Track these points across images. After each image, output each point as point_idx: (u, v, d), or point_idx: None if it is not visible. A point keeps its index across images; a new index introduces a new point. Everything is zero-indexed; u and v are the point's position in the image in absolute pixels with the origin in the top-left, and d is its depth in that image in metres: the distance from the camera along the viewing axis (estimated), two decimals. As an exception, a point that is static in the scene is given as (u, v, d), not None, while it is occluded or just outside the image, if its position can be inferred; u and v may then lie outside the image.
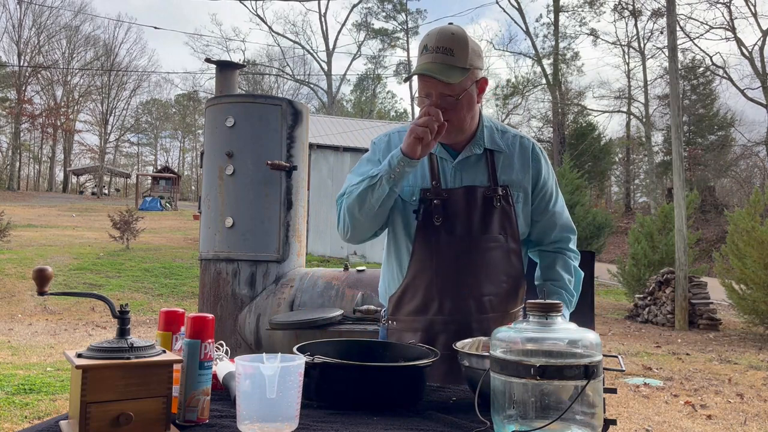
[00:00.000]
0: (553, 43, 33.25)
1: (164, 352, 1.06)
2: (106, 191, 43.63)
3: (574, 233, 1.81)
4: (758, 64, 27.60)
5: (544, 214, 1.75)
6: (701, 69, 31.38)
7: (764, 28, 27.75)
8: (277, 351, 1.14)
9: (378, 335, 1.84)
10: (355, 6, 39.39)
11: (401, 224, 1.68)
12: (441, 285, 1.63)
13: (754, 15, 27.83)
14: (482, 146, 1.67)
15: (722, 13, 44.86)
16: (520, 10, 32.18)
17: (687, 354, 8.05)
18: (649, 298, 11.89)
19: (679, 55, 20.99)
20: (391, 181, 1.52)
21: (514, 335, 1.02)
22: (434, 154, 1.68)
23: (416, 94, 1.65)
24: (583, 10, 33.46)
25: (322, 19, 39.25)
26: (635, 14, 30.55)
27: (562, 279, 1.75)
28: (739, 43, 28.14)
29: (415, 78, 1.57)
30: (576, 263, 1.80)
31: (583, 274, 1.80)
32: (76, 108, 43.12)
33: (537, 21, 49.04)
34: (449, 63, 1.52)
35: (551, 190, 1.76)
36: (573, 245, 1.81)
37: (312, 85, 41.07)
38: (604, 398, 1.04)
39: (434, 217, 1.62)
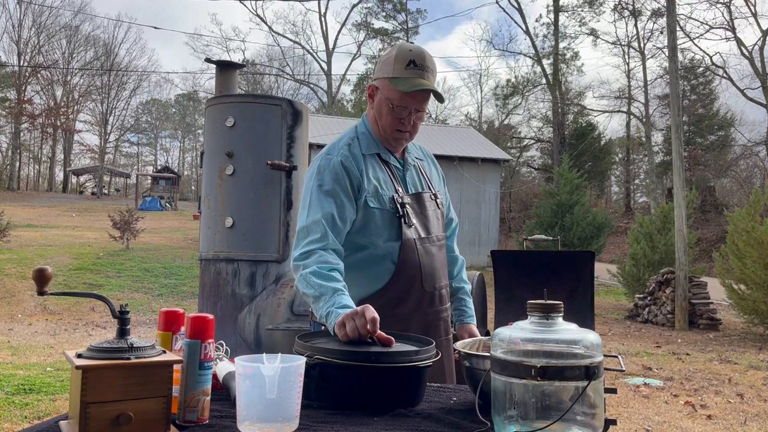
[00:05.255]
0: (553, 43, 33.24)
1: (164, 352, 1.05)
2: (106, 191, 43.61)
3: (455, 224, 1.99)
4: (758, 64, 27.57)
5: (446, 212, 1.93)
6: (701, 69, 31.37)
7: (764, 28, 27.69)
8: (277, 351, 1.13)
9: None
10: (355, 6, 39.32)
11: (379, 229, 1.67)
12: (417, 280, 1.68)
13: (754, 15, 27.81)
14: (412, 156, 1.82)
15: (722, 13, 44.77)
16: (520, 10, 32.20)
17: (687, 354, 8.05)
18: (649, 298, 11.88)
19: (679, 55, 20.99)
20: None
21: (514, 336, 1.02)
22: (390, 163, 1.74)
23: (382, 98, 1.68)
24: (582, 10, 33.42)
25: (322, 19, 39.25)
26: (635, 14, 30.54)
27: (467, 284, 1.98)
28: (739, 43, 28.13)
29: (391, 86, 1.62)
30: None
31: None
32: (76, 108, 43.12)
33: (537, 21, 49.01)
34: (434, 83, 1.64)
35: (445, 191, 1.94)
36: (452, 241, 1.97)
37: (312, 85, 41.06)
38: (604, 398, 1.04)
39: (405, 219, 1.68)
